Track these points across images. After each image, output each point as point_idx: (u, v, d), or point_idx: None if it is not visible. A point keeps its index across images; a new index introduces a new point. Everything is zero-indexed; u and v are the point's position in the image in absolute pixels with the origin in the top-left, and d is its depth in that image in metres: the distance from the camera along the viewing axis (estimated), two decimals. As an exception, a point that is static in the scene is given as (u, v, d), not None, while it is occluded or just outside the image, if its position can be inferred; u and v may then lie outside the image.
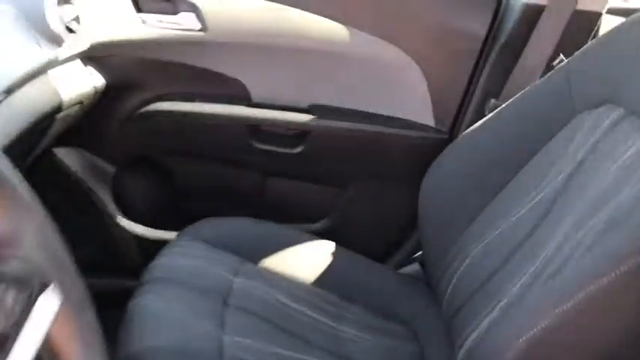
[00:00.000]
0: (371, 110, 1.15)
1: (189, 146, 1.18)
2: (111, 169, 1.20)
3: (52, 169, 1.12)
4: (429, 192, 0.96)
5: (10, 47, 0.80)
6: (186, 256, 0.89)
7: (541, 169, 0.82)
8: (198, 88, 1.14)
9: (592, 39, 1.03)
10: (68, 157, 1.15)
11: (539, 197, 0.79)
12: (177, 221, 1.07)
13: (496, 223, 0.82)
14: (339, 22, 1.08)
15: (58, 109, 0.89)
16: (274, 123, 1.12)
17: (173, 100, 1.14)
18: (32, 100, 0.82)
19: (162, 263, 0.87)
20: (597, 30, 1.05)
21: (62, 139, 1.07)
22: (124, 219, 1.17)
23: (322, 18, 1.08)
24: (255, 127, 1.13)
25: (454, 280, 0.85)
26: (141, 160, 1.21)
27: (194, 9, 1.09)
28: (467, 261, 0.84)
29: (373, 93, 1.14)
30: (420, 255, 1.19)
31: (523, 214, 0.79)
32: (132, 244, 1.17)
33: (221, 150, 1.16)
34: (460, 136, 0.98)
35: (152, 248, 0.94)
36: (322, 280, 0.92)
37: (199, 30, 1.09)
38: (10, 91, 0.76)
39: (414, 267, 1.14)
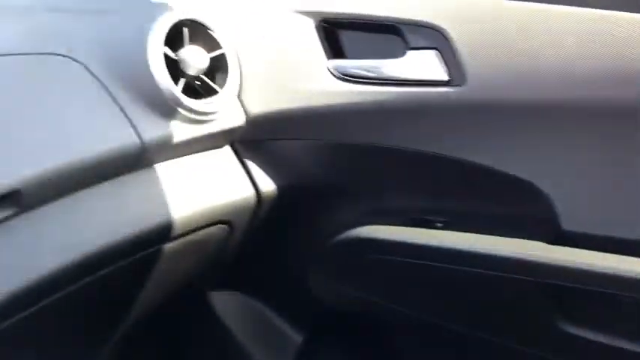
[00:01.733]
0: None
1: (424, 308, 0.76)
2: (296, 336, 0.89)
3: (205, 319, 0.89)
4: None
5: (74, 128, 0.54)
6: None
7: None
8: (444, 201, 0.69)
9: None
10: (227, 306, 0.88)
11: None
12: None
13: None
14: None
15: (163, 234, 0.61)
16: (613, 278, 0.59)
17: (395, 220, 0.71)
18: (103, 216, 0.56)
19: None
20: None
21: (221, 279, 0.84)
22: None
23: None
24: (567, 290, 0.63)
25: None
26: (348, 326, 0.85)
27: (439, 41, 0.60)
28: None
29: None
30: None
31: None
32: None
33: (491, 330, 0.71)
34: None
35: None
36: None
37: (446, 83, 0.61)
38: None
39: None
